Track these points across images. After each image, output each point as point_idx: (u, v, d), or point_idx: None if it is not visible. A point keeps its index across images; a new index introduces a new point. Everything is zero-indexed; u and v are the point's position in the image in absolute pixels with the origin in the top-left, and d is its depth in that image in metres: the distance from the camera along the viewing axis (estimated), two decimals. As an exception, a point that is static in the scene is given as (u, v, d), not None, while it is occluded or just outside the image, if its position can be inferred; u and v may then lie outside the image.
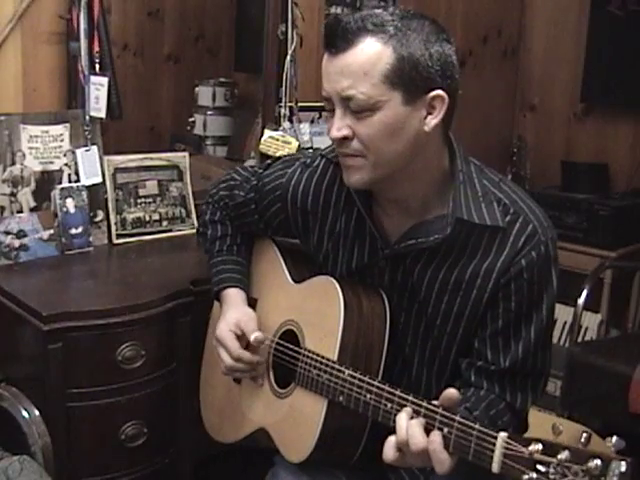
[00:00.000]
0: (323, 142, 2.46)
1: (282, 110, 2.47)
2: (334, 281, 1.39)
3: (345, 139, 1.25)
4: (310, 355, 1.38)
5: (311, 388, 1.36)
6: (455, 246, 1.30)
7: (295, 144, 2.38)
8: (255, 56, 2.61)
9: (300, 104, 2.53)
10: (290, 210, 1.50)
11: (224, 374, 1.52)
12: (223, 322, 1.51)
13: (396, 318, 1.37)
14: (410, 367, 1.39)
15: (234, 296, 1.55)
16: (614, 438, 0.98)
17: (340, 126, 1.24)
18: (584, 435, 1.00)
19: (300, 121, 2.52)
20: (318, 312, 1.40)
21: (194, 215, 2.32)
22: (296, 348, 1.42)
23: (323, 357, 1.34)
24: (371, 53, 1.20)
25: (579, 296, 2.75)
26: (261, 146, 2.39)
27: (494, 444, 1.05)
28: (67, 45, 2.15)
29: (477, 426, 1.08)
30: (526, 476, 1.01)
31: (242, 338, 1.48)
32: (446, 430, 1.10)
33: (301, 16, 2.49)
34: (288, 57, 2.46)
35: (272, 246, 1.61)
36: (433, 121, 1.25)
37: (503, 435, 1.05)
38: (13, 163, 2.03)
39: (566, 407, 2.49)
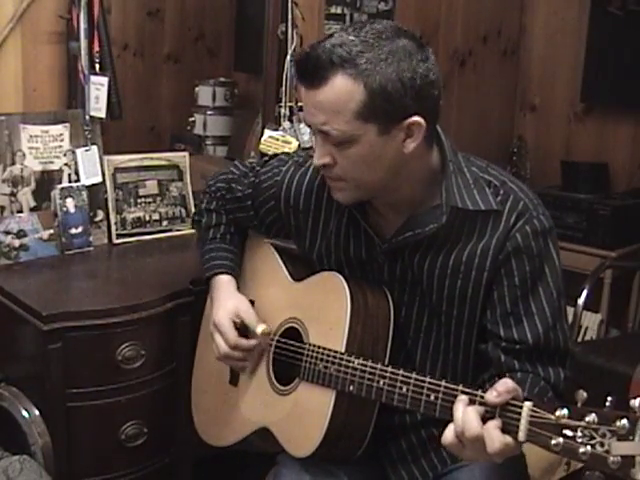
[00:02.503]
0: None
1: (282, 110, 2.47)
2: (338, 275, 1.40)
3: (326, 165, 1.28)
4: (316, 349, 1.38)
5: (317, 381, 1.36)
6: (451, 233, 1.32)
7: (295, 144, 2.38)
8: (255, 56, 2.61)
9: (300, 104, 2.53)
10: (283, 208, 1.51)
11: (218, 360, 1.52)
12: (221, 309, 1.51)
13: (397, 313, 1.38)
14: (413, 360, 1.40)
15: (226, 283, 1.56)
16: (638, 400, 0.97)
17: (321, 154, 1.27)
18: (609, 399, 1.01)
19: (300, 121, 2.52)
20: (323, 306, 1.41)
21: (194, 215, 2.32)
22: (300, 344, 1.42)
23: (330, 349, 1.35)
24: (342, 91, 1.20)
25: (579, 296, 2.75)
26: (261, 146, 2.40)
27: (519, 413, 1.07)
28: (67, 45, 2.15)
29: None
30: (553, 441, 1.02)
31: (238, 326, 1.49)
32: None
33: (301, 16, 2.49)
34: (288, 57, 2.46)
35: (269, 248, 1.62)
36: (412, 145, 1.25)
37: (528, 404, 1.07)
38: (13, 163, 2.03)
39: (566, 407, 2.49)
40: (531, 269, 1.29)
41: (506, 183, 1.33)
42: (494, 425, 1.09)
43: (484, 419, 1.11)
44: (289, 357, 1.45)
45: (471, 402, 1.14)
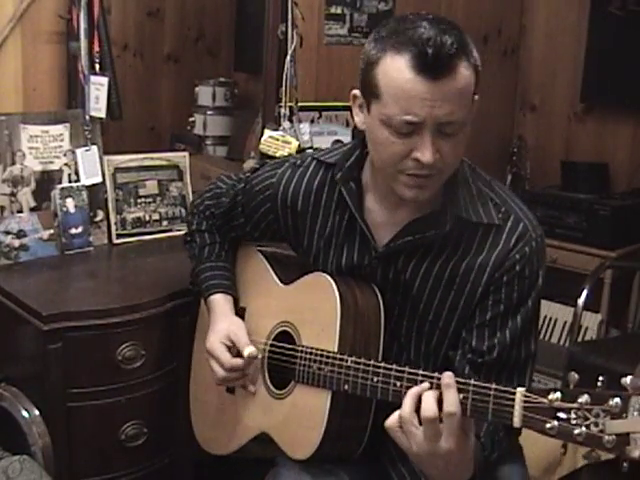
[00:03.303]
0: (323, 142, 2.45)
1: (282, 110, 2.47)
2: (326, 275, 1.40)
3: (432, 162, 1.23)
4: (309, 350, 1.38)
5: (312, 383, 1.36)
6: (449, 243, 1.33)
7: (295, 144, 2.38)
8: (255, 56, 2.61)
9: (300, 104, 2.53)
10: (280, 210, 1.50)
11: (217, 384, 1.53)
12: (212, 334, 1.51)
13: (390, 312, 1.38)
14: (407, 356, 1.40)
15: (222, 304, 1.55)
16: (629, 378, 0.99)
17: (434, 150, 1.21)
18: (600, 378, 1.02)
19: (300, 121, 2.52)
20: (313, 308, 1.41)
21: (194, 215, 2.32)
22: (293, 347, 1.42)
23: (323, 350, 1.35)
24: (466, 77, 1.20)
25: (579, 296, 2.75)
26: (261, 146, 2.39)
27: (513, 399, 1.08)
28: (67, 45, 2.15)
29: (493, 386, 1.11)
30: (548, 425, 1.03)
31: (232, 348, 1.49)
32: (462, 396, 1.13)
33: (301, 16, 2.49)
34: (288, 57, 2.46)
35: (257, 253, 1.62)
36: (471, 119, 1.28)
37: (521, 389, 1.08)
38: (13, 163, 2.03)
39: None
40: (519, 290, 1.31)
41: (507, 202, 1.34)
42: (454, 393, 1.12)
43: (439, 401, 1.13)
44: (283, 361, 1.44)
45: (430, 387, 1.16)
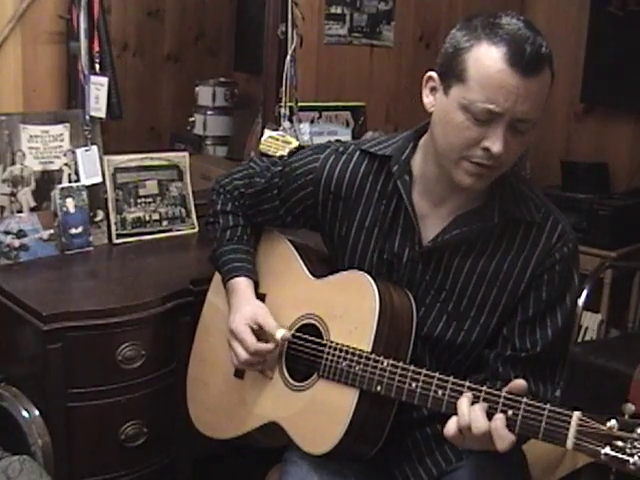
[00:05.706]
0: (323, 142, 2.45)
1: (282, 110, 2.47)
2: (367, 275, 1.40)
3: (499, 154, 1.26)
4: (339, 347, 1.38)
5: (339, 380, 1.36)
6: (492, 239, 1.36)
7: (295, 144, 2.38)
8: (255, 56, 2.61)
9: (300, 104, 2.54)
10: (321, 194, 1.48)
11: (236, 367, 1.51)
12: (238, 315, 1.49)
13: (421, 308, 1.40)
14: (422, 361, 1.39)
15: (244, 287, 1.53)
16: None
17: (504, 142, 1.24)
18: None
19: (300, 121, 2.52)
20: (348, 305, 1.40)
21: (194, 215, 2.32)
22: (320, 340, 1.42)
23: (355, 348, 1.35)
24: (547, 82, 1.25)
25: (579, 296, 2.75)
26: (261, 146, 2.40)
27: (569, 422, 1.10)
28: (67, 45, 2.15)
29: (548, 406, 1.14)
30: (603, 451, 1.06)
31: (256, 332, 1.47)
32: (511, 412, 1.16)
33: (301, 16, 2.49)
34: (288, 57, 2.46)
35: (285, 242, 1.60)
36: None
37: (578, 413, 1.11)
38: (13, 163, 2.03)
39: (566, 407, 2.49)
40: (558, 286, 1.35)
41: (545, 203, 1.39)
42: (502, 424, 1.15)
43: (488, 415, 1.17)
44: (306, 353, 1.43)
45: (475, 398, 1.19)
